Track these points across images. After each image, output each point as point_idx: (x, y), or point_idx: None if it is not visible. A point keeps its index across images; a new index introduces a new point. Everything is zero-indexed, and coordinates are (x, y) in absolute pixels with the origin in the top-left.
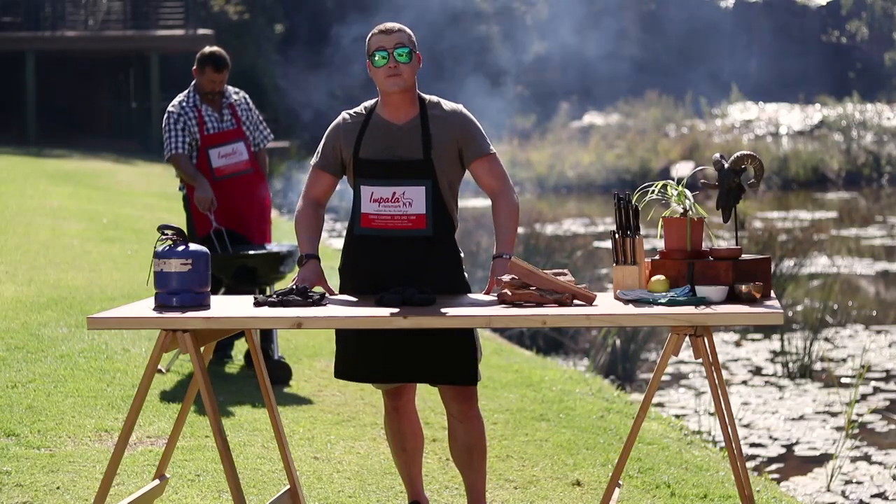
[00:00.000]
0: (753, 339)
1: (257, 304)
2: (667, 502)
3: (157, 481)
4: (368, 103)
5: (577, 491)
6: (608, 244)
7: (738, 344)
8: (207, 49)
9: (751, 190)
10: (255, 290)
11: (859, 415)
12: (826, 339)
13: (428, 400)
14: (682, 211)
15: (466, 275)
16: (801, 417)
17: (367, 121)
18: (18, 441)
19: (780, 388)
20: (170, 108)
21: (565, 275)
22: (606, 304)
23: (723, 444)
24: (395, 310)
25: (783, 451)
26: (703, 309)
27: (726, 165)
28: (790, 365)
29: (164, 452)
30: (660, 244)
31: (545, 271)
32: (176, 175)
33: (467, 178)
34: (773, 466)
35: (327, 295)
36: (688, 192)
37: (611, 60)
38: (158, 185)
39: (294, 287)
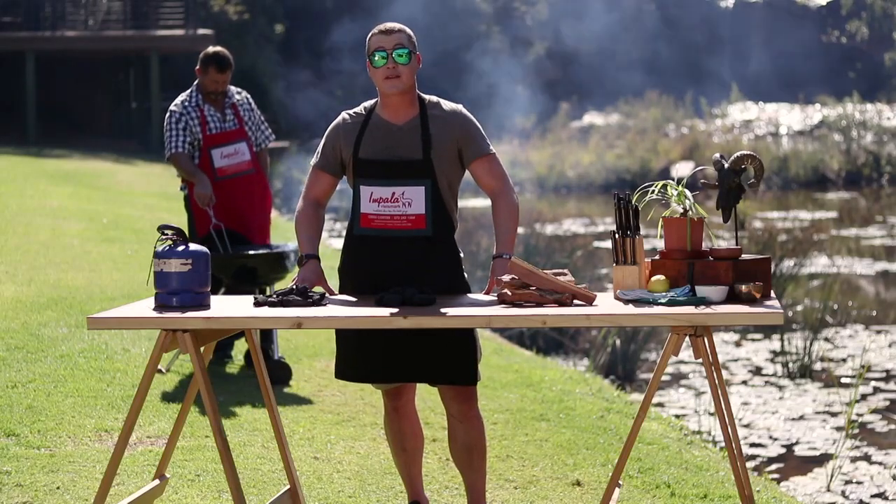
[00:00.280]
0: (753, 339)
1: (257, 304)
2: (667, 502)
3: (157, 481)
4: (368, 103)
5: (577, 491)
6: (608, 244)
7: (738, 344)
8: (211, 49)
9: (751, 190)
10: (256, 290)
11: (859, 415)
12: (826, 339)
13: (428, 400)
14: (682, 211)
15: (466, 275)
16: (801, 417)
17: (366, 121)
18: (18, 441)
19: (780, 388)
20: (172, 108)
21: (565, 275)
22: (606, 304)
23: (723, 444)
24: (395, 310)
25: (783, 451)
26: (703, 309)
27: (726, 165)
28: (790, 365)
29: (164, 452)
30: (660, 244)
31: (545, 271)
32: (177, 175)
33: (467, 178)
34: (773, 466)
35: (327, 295)
36: (688, 192)
37: (611, 60)
38: (158, 185)
39: (294, 287)
